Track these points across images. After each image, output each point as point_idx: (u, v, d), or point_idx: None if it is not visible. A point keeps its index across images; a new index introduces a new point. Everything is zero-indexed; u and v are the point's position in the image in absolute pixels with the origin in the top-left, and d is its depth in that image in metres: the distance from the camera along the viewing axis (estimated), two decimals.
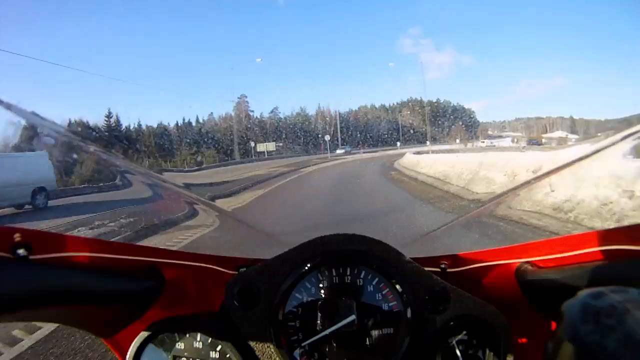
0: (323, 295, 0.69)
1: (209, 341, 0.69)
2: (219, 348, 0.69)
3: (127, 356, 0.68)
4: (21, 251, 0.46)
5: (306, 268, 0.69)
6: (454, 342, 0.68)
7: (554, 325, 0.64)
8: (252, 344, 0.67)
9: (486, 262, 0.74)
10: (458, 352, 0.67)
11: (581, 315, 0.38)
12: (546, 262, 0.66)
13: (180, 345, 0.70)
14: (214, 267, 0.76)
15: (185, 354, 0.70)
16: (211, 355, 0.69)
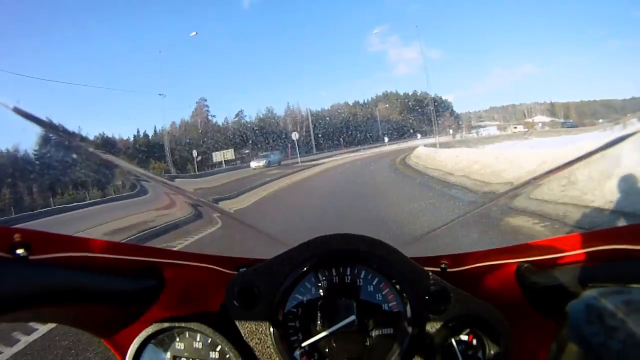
0: (323, 296, 0.69)
1: (209, 341, 0.69)
2: (218, 348, 0.69)
3: (127, 356, 0.68)
4: (21, 251, 0.46)
5: (306, 268, 0.69)
6: (453, 342, 0.68)
7: (554, 325, 0.64)
8: (252, 344, 0.67)
9: (486, 262, 0.73)
10: (458, 352, 0.67)
11: (585, 316, 0.38)
12: (547, 262, 0.66)
13: (180, 346, 0.70)
14: (214, 267, 0.76)
15: (185, 354, 0.70)
16: (211, 356, 0.69)
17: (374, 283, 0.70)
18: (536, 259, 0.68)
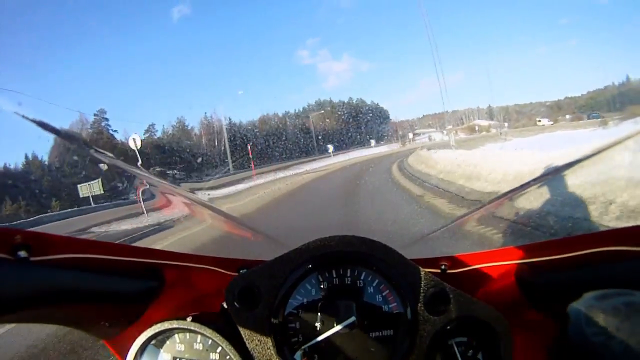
0: (323, 297, 0.69)
1: (210, 343, 0.69)
2: (219, 350, 0.69)
3: (128, 357, 0.69)
4: (22, 252, 0.46)
5: (306, 269, 0.69)
6: (453, 343, 0.68)
7: (554, 326, 0.64)
8: (252, 345, 0.67)
9: (486, 263, 0.73)
10: (458, 354, 0.67)
11: (587, 317, 0.39)
12: (546, 263, 0.66)
13: (180, 347, 0.70)
14: (214, 268, 0.76)
15: (186, 355, 0.70)
16: (211, 357, 0.69)
17: (374, 284, 0.70)
18: (536, 260, 0.68)
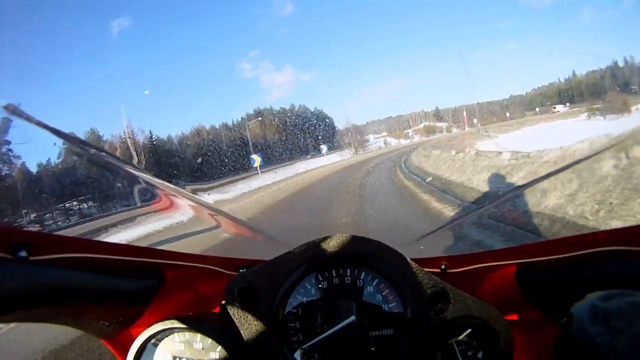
0: (323, 296, 0.69)
1: (209, 342, 0.69)
2: (219, 349, 0.69)
3: (128, 357, 0.68)
4: (21, 252, 0.46)
5: (306, 269, 0.69)
6: (454, 343, 0.68)
7: (554, 326, 0.64)
8: (252, 344, 0.67)
9: (486, 263, 0.73)
10: (458, 353, 0.67)
11: (590, 317, 0.39)
12: (546, 263, 0.66)
13: (180, 346, 0.70)
14: (215, 267, 0.76)
15: (186, 354, 0.70)
16: (211, 356, 0.69)
17: (374, 284, 0.70)
18: (536, 260, 0.68)
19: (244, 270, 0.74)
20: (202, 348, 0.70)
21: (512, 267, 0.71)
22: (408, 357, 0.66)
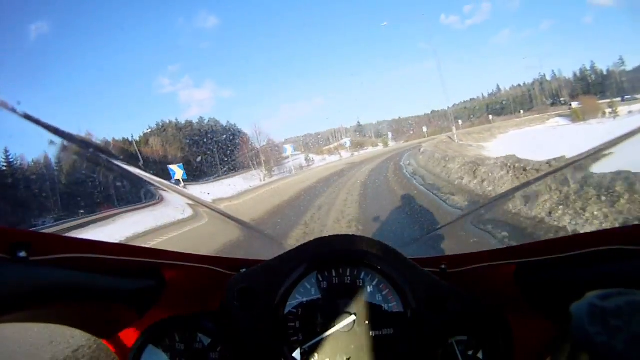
0: (323, 296, 0.69)
1: (209, 342, 0.69)
2: (218, 349, 0.69)
3: (128, 357, 0.68)
4: (21, 252, 0.46)
5: (306, 269, 0.69)
6: (454, 342, 0.68)
7: (554, 325, 0.64)
8: (252, 344, 0.67)
9: (486, 262, 0.74)
10: (458, 353, 0.67)
11: (589, 316, 0.39)
12: (545, 262, 0.66)
13: (180, 346, 0.70)
14: (214, 267, 0.76)
15: (186, 354, 0.70)
16: (211, 356, 0.69)
17: (373, 284, 0.70)
18: (535, 260, 0.68)
19: (244, 270, 0.74)
20: (202, 348, 0.70)
21: (511, 267, 0.71)
22: (408, 356, 0.66)
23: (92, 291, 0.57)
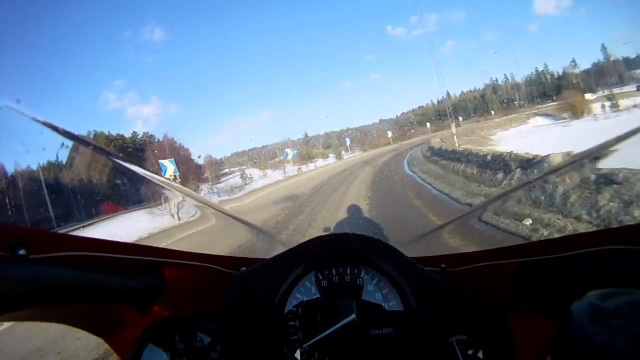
0: (323, 295, 0.69)
1: (209, 341, 0.69)
2: (218, 348, 0.69)
3: (128, 356, 0.68)
4: (21, 250, 0.46)
5: (306, 268, 0.69)
6: (454, 341, 0.68)
7: (553, 325, 0.64)
8: (252, 343, 0.67)
9: (486, 262, 0.73)
10: (458, 352, 0.67)
11: (589, 316, 0.39)
12: (546, 262, 0.66)
13: (180, 345, 0.70)
14: (215, 266, 0.76)
15: (186, 353, 0.70)
16: (211, 355, 0.69)
17: (373, 283, 0.70)
18: (535, 259, 0.68)
19: (244, 269, 0.74)
20: (202, 347, 0.70)
21: (511, 266, 0.71)
22: (408, 356, 0.66)
23: (92, 289, 0.57)
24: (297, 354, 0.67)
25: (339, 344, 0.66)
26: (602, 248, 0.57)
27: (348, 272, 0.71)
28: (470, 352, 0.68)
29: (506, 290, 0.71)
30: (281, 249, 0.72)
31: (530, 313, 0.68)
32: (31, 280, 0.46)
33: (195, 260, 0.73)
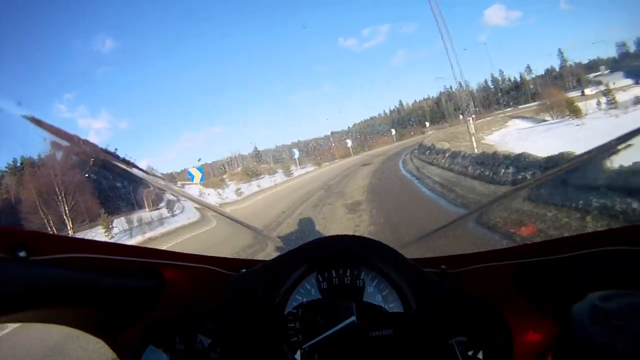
0: (323, 297, 0.69)
1: (209, 342, 0.69)
2: (219, 349, 0.69)
3: (128, 357, 0.68)
4: (21, 252, 0.46)
5: (306, 269, 0.69)
6: (454, 343, 0.68)
7: (553, 325, 0.64)
8: (252, 345, 0.67)
9: (486, 263, 0.74)
10: (458, 353, 0.67)
11: (591, 317, 0.39)
12: (546, 263, 0.66)
13: (180, 346, 0.70)
14: (215, 268, 0.76)
15: (185, 354, 0.70)
16: (211, 356, 0.69)
17: (373, 284, 0.70)
18: (535, 260, 0.68)
19: (244, 270, 0.74)
20: (202, 348, 0.70)
21: (511, 267, 0.71)
22: (408, 357, 0.66)
23: (92, 291, 0.57)
24: (297, 355, 0.67)
25: (339, 345, 0.66)
26: (602, 249, 0.57)
27: (348, 274, 0.71)
28: (470, 353, 0.68)
29: (506, 291, 0.71)
30: (281, 250, 0.72)
31: (530, 314, 0.68)
32: (31, 282, 0.46)
33: (195, 262, 0.73)
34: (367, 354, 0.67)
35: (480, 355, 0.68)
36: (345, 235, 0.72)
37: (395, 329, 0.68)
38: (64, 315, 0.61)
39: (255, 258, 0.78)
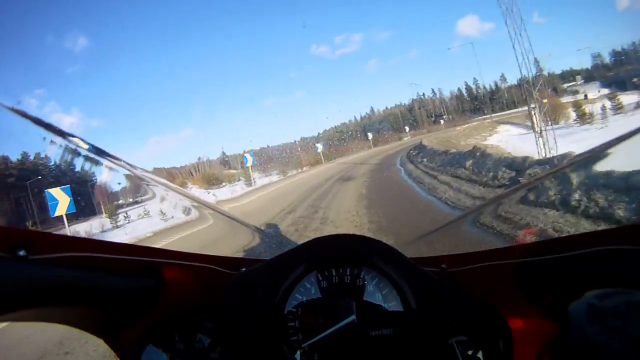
0: (323, 296, 0.69)
1: (209, 341, 0.69)
2: (218, 348, 0.69)
3: (128, 356, 0.68)
4: (21, 251, 0.46)
5: (306, 268, 0.69)
6: (453, 342, 0.68)
7: (553, 325, 0.65)
8: (251, 344, 0.67)
9: (486, 262, 0.74)
10: (458, 353, 0.67)
11: (587, 316, 0.39)
12: (545, 262, 0.66)
13: (180, 346, 0.70)
14: (215, 267, 0.76)
15: (185, 354, 0.70)
16: (211, 356, 0.69)
17: (373, 283, 0.70)
18: (535, 259, 0.68)
19: (244, 269, 0.74)
20: (202, 348, 0.69)
21: (511, 266, 0.71)
22: (408, 356, 0.66)
23: (92, 290, 0.57)
24: (297, 355, 0.67)
25: (339, 344, 0.66)
26: (600, 248, 0.57)
27: (348, 273, 0.71)
28: (470, 352, 0.68)
29: (506, 290, 0.71)
30: (281, 250, 0.72)
31: (530, 313, 0.68)
32: (31, 281, 0.46)
33: (195, 261, 0.73)
34: (367, 353, 0.67)
35: (480, 355, 0.68)
36: (345, 235, 0.72)
37: (395, 328, 0.68)
38: (64, 315, 0.61)
39: (255, 257, 0.78)
